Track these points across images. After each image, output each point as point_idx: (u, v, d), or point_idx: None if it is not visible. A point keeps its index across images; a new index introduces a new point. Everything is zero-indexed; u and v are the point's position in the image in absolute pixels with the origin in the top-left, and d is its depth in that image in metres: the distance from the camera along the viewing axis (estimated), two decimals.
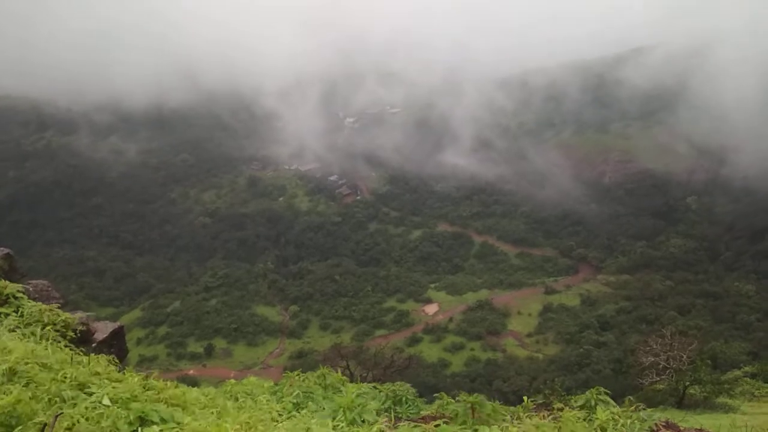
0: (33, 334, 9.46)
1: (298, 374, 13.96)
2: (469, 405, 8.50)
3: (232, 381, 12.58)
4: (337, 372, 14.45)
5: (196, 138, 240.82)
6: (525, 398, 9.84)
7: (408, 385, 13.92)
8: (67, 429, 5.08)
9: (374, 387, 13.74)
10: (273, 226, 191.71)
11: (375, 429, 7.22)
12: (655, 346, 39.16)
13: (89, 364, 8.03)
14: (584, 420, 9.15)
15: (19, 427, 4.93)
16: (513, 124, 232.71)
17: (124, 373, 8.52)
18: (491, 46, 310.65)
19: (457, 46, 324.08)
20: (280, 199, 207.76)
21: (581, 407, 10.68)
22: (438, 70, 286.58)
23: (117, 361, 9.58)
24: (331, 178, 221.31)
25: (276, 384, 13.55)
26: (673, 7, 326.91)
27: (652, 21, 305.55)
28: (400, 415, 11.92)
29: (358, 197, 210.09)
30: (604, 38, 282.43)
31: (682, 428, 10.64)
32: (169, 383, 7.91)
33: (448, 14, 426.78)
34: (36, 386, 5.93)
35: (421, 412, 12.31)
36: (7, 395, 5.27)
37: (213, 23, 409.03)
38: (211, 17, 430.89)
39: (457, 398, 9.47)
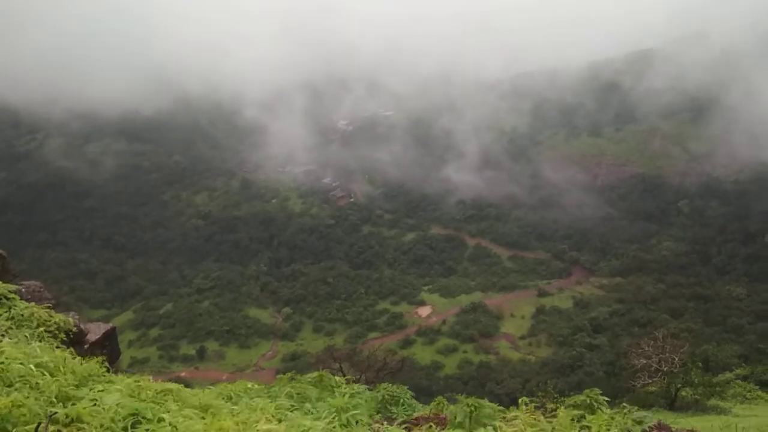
0: (25, 335, 9.41)
1: (291, 376, 13.92)
2: (468, 409, 8.50)
3: (224, 383, 12.54)
4: (330, 374, 14.41)
5: (188, 140, 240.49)
6: (521, 400, 9.84)
7: (404, 386, 13.92)
8: (60, 429, 5.05)
9: (369, 388, 13.73)
10: (266, 228, 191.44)
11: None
12: (647, 349, 39.32)
13: (82, 365, 7.98)
14: (578, 421, 9.16)
15: (15, 430, 4.90)
16: (506, 128, 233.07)
17: (116, 375, 8.48)
18: (481, 52, 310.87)
19: (446, 52, 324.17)
20: (273, 201, 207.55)
21: (575, 408, 10.69)
22: (428, 75, 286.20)
23: (109, 362, 9.53)
24: (325, 180, 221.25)
25: (269, 386, 13.51)
26: (669, 11, 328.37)
27: (645, 25, 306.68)
28: (394, 416, 11.91)
29: (352, 200, 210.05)
30: (596, 43, 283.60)
31: (674, 430, 10.67)
32: (162, 383, 7.87)
33: (436, 21, 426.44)
34: (29, 387, 5.89)
35: (415, 414, 12.30)
36: (2, 398, 5.22)
37: (195, 28, 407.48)
38: (192, 22, 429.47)
39: (450, 397, 9.46)
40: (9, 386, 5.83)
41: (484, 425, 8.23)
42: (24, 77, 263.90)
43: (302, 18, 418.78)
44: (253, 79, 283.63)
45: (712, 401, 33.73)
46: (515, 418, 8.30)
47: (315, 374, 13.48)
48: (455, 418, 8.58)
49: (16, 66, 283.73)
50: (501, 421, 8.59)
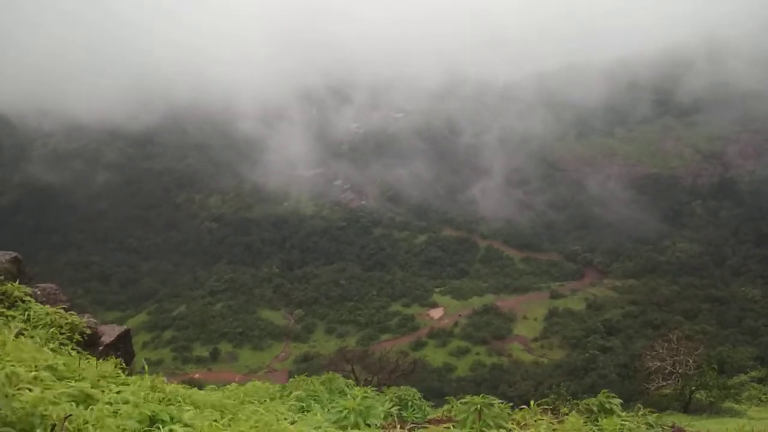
0: (40, 336, 9.49)
1: (304, 378, 13.96)
2: (475, 408, 8.47)
3: (235, 384, 12.57)
4: (342, 376, 14.45)
5: (201, 145, 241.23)
6: (531, 402, 9.81)
7: (413, 389, 13.92)
8: (76, 430, 5.10)
9: (379, 390, 13.75)
10: (278, 230, 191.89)
11: None
12: (661, 351, 39.02)
13: (97, 367, 8.05)
14: (590, 424, 9.13)
15: (37, 431, 4.95)
16: (519, 128, 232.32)
17: (131, 376, 8.53)
18: (490, 53, 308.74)
19: (452, 51, 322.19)
20: (285, 203, 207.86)
21: (589, 412, 10.66)
22: (436, 78, 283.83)
23: (124, 364, 9.60)
24: (336, 182, 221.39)
25: (282, 387, 13.56)
26: (672, 12, 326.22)
27: (651, 25, 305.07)
28: (405, 419, 11.92)
29: (363, 202, 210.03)
30: (606, 42, 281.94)
31: None
32: (178, 385, 7.93)
33: (440, 22, 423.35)
34: (44, 389, 5.94)
35: (428, 416, 12.31)
36: (22, 397, 5.27)
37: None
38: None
39: (462, 401, 9.44)
40: (26, 388, 5.87)
41: (495, 427, 8.21)
42: (11, 86, 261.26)
43: (301, 31, 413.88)
44: (257, 90, 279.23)
45: (727, 404, 33.50)
46: (527, 423, 8.28)
47: (324, 376, 13.53)
48: (464, 418, 8.55)
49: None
50: (513, 423, 8.58)
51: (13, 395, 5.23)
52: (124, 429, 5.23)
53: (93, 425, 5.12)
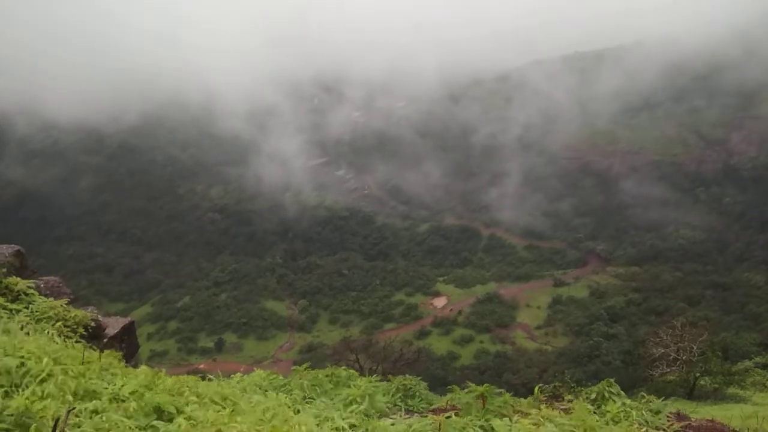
0: (44, 329, 9.49)
1: (307, 368, 13.95)
2: (477, 395, 8.46)
3: (239, 375, 12.59)
4: (345, 368, 14.44)
5: (202, 136, 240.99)
6: (536, 389, 9.80)
7: (419, 378, 13.93)
8: (79, 424, 5.10)
9: (384, 380, 13.75)
10: (281, 221, 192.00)
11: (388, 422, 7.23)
12: (665, 338, 39.00)
13: (101, 359, 8.04)
14: (595, 411, 9.12)
15: (34, 425, 4.94)
16: (520, 117, 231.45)
17: (135, 368, 8.54)
18: (489, 43, 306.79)
19: (447, 42, 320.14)
20: (288, 194, 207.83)
21: (593, 400, 10.65)
22: (434, 68, 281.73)
23: (128, 356, 9.61)
24: (339, 172, 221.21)
25: (286, 378, 13.56)
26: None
27: (653, 11, 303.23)
28: (410, 408, 11.95)
29: (366, 191, 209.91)
30: (607, 29, 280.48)
31: (693, 419, 10.61)
32: (182, 376, 7.93)
33: (433, 12, 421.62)
34: (48, 382, 5.94)
35: (432, 405, 12.33)
36: (20, 393, 5.27)
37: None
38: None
39: (465, 389, 9.43)
40: (28, 381, 5.87)
41: (498, 414, 8.20)
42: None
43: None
44: (251, 84, 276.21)
45: (731, 390, 33.47)
46: (531, 410, 8.27)
47: (328, 369, 13.54)
48: (467, 405, 8.56)
49: None
50: (516, 412, 8.57)
51: (12, 394, 5.24)
52: (129, 422, 5.23)
53: (97, 419, 5.12)
